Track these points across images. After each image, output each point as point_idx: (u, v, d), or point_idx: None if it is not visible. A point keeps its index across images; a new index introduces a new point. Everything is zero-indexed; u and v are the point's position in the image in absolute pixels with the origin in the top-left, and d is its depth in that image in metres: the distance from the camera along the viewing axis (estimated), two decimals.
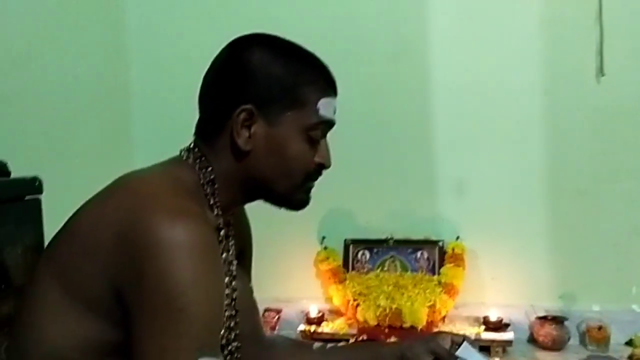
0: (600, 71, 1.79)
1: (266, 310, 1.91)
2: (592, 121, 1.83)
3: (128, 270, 0.76)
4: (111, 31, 1.97)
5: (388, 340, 1.65)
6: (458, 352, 1.04)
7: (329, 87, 0.95)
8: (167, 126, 1.75)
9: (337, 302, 1.90)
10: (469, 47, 1.89)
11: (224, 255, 0.94)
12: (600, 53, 1.79)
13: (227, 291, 0.94)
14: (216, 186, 0.91)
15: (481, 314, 1.82)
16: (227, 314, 0.95)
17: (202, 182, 0.91)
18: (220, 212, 0.91)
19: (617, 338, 1.75)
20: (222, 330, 0.94)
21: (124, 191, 0.85)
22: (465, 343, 1.05)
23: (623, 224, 1.82)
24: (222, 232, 0.92)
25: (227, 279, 0.94)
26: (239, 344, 0.98)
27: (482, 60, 1.89)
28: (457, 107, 1.91)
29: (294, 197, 0.95)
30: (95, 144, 1.82)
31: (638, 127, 1.80)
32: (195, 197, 0.87)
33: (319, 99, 0.92)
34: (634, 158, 1.81)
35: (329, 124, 0.95)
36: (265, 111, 0.90)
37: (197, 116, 0.95)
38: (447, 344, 1.05)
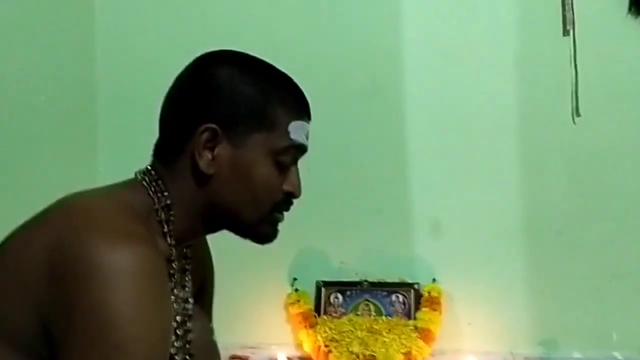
0: (576, 111, 1.78)
1: (232, 357, 1.80)
2: (568, 161, 1.80)
3: (57, 301, 0.67)
4: (79, 30, 1.91)
5: None
6: None
7: (301, 109, 0.87)
8: (133, 137, 1.66)
9: (307, 348, 1.79)
10: (444, 86, 1.86)
11: (177, 291, 0.84)
12: (576, 94, 1.78)
13: (179, 332, 0.84)
14: (172, 212, 0.82)
15: None
16: (179, 359, 0.85)
17: (156, 207, 0.81)
18: (173, 242, 0.82)
19: None
20: None
21: (59, 213, 0.75)
22: None
23: (603, 267, 1.76)
24: (175, 265, 0.82)
25: (179, 318, 0.84)
26: None
27: (457, 100, 1.86)
28: (433, 146, 1.87)
29: (260, 229, 0.86)
30: (58, 152, 1.72)
31: (614, 167, 1.77)
32: (145, 223, 0.78)
33: (290, 121, 0.84)
34: (611, 198, 1.77)
35: (301, 149, 0.87)
36: (230, 132, 0.82)
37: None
38: None
